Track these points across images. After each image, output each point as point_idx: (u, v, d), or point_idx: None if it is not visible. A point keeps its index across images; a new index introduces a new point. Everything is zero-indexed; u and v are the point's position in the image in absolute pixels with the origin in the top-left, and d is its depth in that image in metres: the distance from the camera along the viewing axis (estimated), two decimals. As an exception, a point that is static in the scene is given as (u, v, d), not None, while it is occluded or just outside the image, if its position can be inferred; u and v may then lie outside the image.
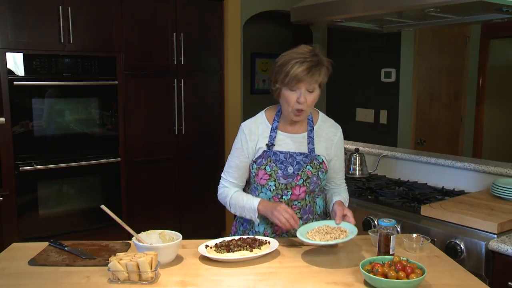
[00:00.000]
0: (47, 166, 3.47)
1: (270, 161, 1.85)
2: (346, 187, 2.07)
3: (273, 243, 1.72)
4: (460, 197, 2.41)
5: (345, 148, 3.17)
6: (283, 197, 1.86)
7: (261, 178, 1.86)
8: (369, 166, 3.11)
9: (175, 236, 1.70)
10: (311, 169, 1.85)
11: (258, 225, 1.91)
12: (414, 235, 1.79)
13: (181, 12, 4.01)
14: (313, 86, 1.77)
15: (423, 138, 4.74)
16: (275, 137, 1.88)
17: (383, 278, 1.41)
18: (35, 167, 3.43)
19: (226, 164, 1.98)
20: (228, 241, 1.72)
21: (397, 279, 1.41)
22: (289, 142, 1.89)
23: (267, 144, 1.87)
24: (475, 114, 5.19)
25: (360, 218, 2.39)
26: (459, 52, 4.92)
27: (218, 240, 1.75)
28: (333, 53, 5.45)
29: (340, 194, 1.98)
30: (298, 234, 1.72)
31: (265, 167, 1.85)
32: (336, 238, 1.68)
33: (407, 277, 1.41)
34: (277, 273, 1.55)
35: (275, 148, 1.87)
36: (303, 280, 1.50)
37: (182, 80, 4.06)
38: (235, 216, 2.04)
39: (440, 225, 2.10)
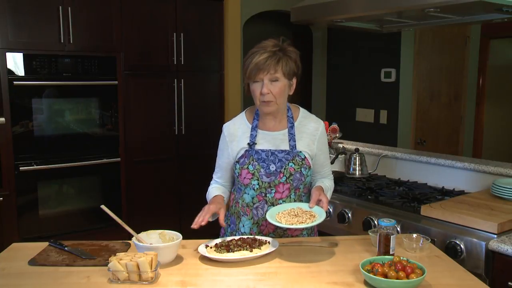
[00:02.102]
0: (47, 166, 3.47)
1: (253, 160, 1.86)
2: (333, 177, 2.07)
3: (273, 243, 1.72)
4: (460, 197, 2.41)
5: (345, 148, 3.19)
6: (267, 195, 1.86)
7: (245, 178, 1.87)
8: (369, 166, 3.11)
9: (175, 236, 1.70)
10: (293, 165, 1.85)
11: (244, 226, 1.92)
12: (414, 235, 1.79)
13: (181, 12, 4.01)
14: (274, 75, 1.77)
15: (423, 138, 4.74)
16: (255, 135, 1.89)
17: (383, 278, 1.41)
18: (35, 167, 3.43)
19: None
20: (228, 241, 1.72)
21: (397, 279, 1.41)
22: (270, 140, 1.89)
23: (248, 144, 1.88)
24: (475, 114, 5.19)
25: (360, 218, 2.40)
26: (459, 52, 4.92)
27: (218, 240, 1.75)
28: (333, 53, 5.46)
29: (323, 181, 1.98)
30: (267, 214, 1.74)
31: (248, 166, 1.86)
32: (302, 222, 1.68)
33: (407, 277, 1.41)
34: (277, 273, 1.55)
35: (257, 147, 1.88)
36: (303, 280, 1.50)
37: (182, 80, 4.06)
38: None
39: (440, 225, 2.10)
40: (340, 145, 3.23)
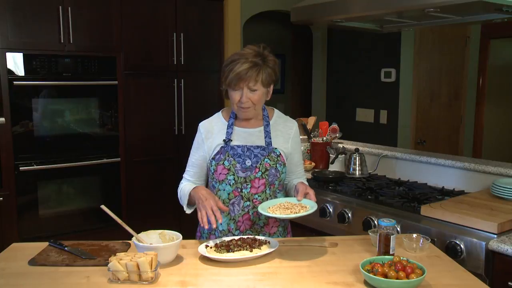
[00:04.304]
0: (47, 166, 3.47)
1: (228, 156, 1.88)
2: (306, 178, 2.11)
3: (273, 243, 1.72)
4: (460, 197, 2.41)
5: (345, 148, 3.19)
6: (243, 190, 1.88)
7: (220, 174, 1.89)
8: (369, 166, 3.11)
9: (175, 236, 1.70)
10: (269, 161, 1.88)
11: (221, 224, 1.92)
12: (414, 235, 1.79)
13: (181, 12, 4.01)
14: (254, 85, 1.80)
15: (423, 138, 4.74)
16: (231, 132, 1.92)
17: (383, 278, 1.41)
18: (35, 167, 3.43)
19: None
20: (228, 241, 1.72)
21: (397, 279, 1.41)
22: (246, 136, 1.92)
23: (224, 140, 1.91)
24: (475, 114, 5.18)
25: (360, 218, 2.40)
26: (459, 52, 4.92)
27: (218, 240, 1.75)
28: (333, 53, 5.46)
29: (301, 180, 2.00)
30: (259, 208, 1.75)
31: (223, 162, 1.88)
32: (296, 213, 1.70)
33: (407, 277, 1.41)
34: (277, 273, 1.55)
35: (232, 143, 1.91)
36: (303, 280, 1.50)
37: (182, 80, 4.06)
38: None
39: (440, 225, 2.10)
40: (340, 145, 3.23)
